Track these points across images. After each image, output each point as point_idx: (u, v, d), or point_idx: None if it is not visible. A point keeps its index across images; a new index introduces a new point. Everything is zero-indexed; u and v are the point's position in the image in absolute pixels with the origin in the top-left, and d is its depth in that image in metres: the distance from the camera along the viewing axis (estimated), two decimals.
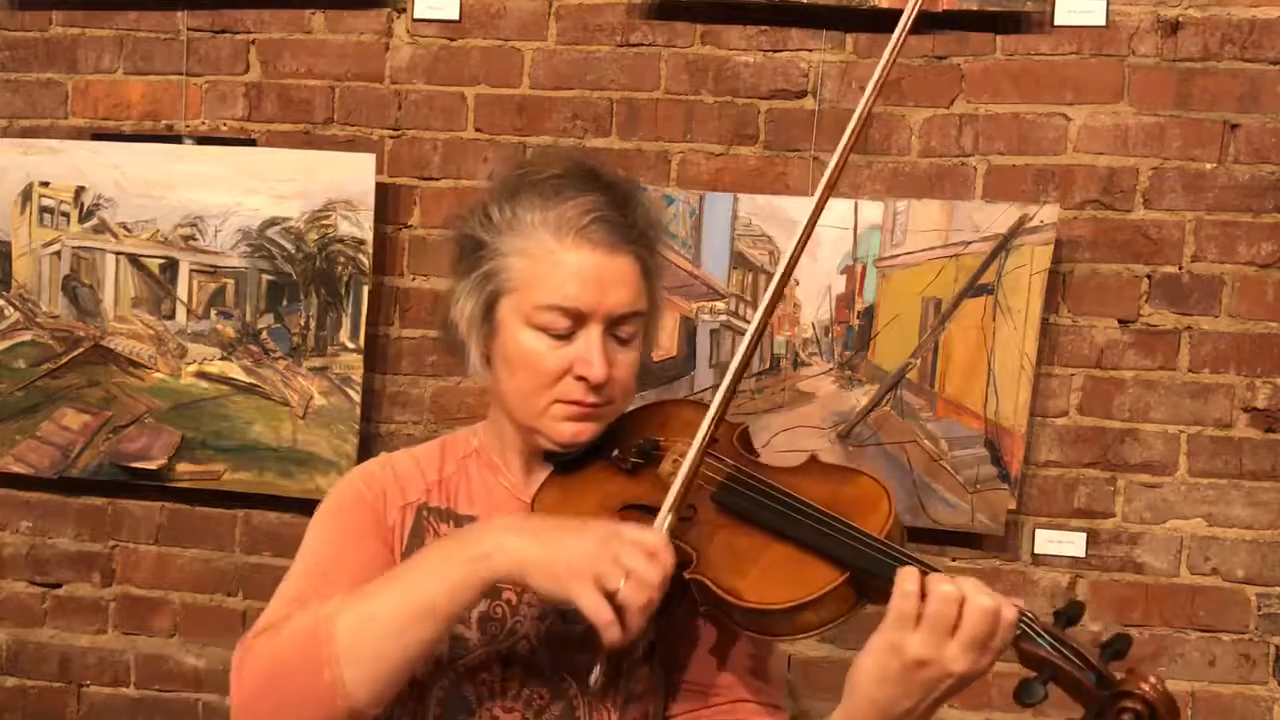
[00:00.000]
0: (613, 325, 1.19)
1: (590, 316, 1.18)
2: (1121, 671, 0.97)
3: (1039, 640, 0.99)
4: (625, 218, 1.20)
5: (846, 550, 1.04)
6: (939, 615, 0.97)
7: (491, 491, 1.28)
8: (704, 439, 1.14)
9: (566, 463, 1.25)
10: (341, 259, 2.22)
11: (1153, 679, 0.96)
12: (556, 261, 1.17)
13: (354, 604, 1.08)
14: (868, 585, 1.03)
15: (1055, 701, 0.97)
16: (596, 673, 1.10)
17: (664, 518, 1.11)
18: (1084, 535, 2.12)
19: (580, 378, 1.18)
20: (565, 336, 1.18)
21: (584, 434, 1.21)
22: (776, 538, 1.09)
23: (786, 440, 2.11)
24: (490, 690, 1.20)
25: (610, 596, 1.01)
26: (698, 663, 1.21)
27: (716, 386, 1.19)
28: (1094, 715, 0.96)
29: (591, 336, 1.18)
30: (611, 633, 1.01)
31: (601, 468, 1.24)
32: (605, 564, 1.02)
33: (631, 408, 1.30)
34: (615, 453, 1.24)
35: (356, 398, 2.23)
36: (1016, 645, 0.99)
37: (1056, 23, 2.08)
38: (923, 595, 0.98)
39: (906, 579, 0.99)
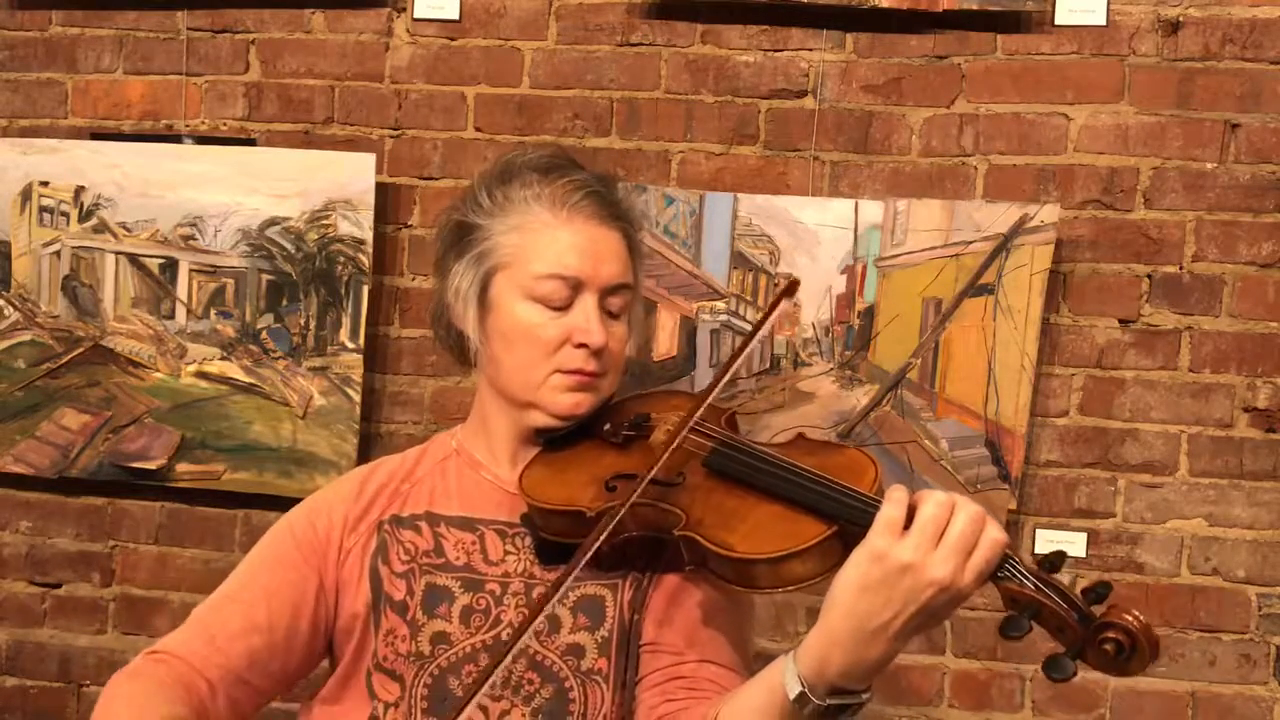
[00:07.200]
0: (605, 296, 1.25)
1: (587, 285, 1.24)
2: (1103, 609, 1.00)
3: (1024, 580, 1.00)
4: (611, 195, 1.29)
5: (835, 504, 1.07)
6: (929, 519, 0.98)
7: (476, 486, 1.30)
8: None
9: (554, 442, 1.28)
10: (341, 259, 2.22)
11: (1135, 611, 0.98)
12: (554, 234, 1.24)
13: None
14: (855, 540, 1.04)
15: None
16: None
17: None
18: (1084, 535, 2.12)
19: (580, 345, 1.23)
20: (562, 308, 1.24)
21: (583, 405, 1.26)
22: (767, 497, 1.12)
23: None
24: (476, 681, 1.20)
25: None
26: (667, 627, 1.22)
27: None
28: (1076, 650, 0.98)
29: (588, 305, 1.24)
30: None
31: (591, 444, 1.28)
32: None
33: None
34: (606, 427, 1.27)
35: (356, 398, 2.23)
36: (1001, 586, 1.01)
37: (1057, 22, 2.08)
38: (909, 511, 1.00)
39: (895, 489, 1.01)
